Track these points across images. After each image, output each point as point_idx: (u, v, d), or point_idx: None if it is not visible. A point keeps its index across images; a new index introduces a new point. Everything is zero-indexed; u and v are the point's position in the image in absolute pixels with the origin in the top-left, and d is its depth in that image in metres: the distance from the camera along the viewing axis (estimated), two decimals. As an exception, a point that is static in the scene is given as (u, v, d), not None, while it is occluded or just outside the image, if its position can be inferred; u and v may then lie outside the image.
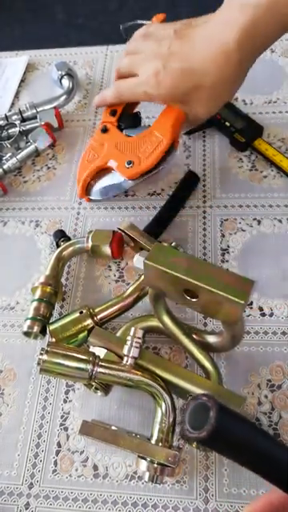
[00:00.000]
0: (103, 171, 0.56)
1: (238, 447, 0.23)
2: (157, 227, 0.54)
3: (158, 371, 0.41)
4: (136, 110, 0.59)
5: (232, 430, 0.22)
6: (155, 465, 0.37)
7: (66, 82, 0.67)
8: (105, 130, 0.56)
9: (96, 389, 0.43)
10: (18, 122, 0.64)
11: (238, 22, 0.43)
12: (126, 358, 0.40)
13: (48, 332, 0.47)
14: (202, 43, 0.46)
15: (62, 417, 0.45)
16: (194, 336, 0.44)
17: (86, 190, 0.57)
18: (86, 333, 0.46)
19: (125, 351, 0.40)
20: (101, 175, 0.56)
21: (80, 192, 0.56)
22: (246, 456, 0.24)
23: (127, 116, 0.57)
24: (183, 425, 0.22)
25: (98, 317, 0.47)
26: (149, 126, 0.54)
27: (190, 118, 0.51)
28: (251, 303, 0.49)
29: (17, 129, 0.63)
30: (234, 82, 0.48)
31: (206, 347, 0.43)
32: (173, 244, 0.50)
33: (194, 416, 0.21)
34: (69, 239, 0.54)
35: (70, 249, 0.52)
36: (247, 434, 0.23)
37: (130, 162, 0.52)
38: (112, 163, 0.54)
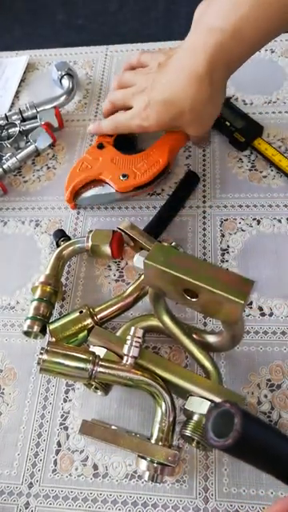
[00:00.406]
0: (94, 182, 0.56)
1: (264, 454, 0.23)
2: (157, 227, 0.54)
3: (158, 371, 0.41)
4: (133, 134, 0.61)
5: (258, 436, 0.22)
6: (155, 464, 0.37)
7: (66, 82, 0.67)
8: (101, 147, 0.57)
9: (96, 388, 0.43)
10: (18, 122, 0.64)
11: (205, 47, 0.45)
12: (125, 358, 0.40)
13: (48, 331, 0.47)
14: (175, 73, 0.49)
15: (61, 416, 0.46)
16: (194, 336, 0.44)
17: (74, 197, 0.57)
18: (85, 332, 0.46)
19: (125, 351, 0.40)
20: (91, 186, 0.57)
21: (68, 197, 0.56)
22: (272, 463, 0.24)
23: (124, 138, 0.59)
24: (206, 434, 0.22)
25: (98, 316, 0.47)
26: (144, 150, 0.56)
27: (189, 135, 0.55)
28: (251, 303, 0.49)
29: (17, 128, 0.64)
30: (211, 101, 0.49)
31: (205, 347, 0.43)
32: (173, 244, 0.50)
33: (217, 424, 0.21)
34: (69, 239, 0.54)
35: (70, 248, 0.52)
36: (273, 440, 0.23)
37: (124, 175, 0.54)
38: (106, 175, 0.55)
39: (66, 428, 0.45)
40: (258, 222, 0.54)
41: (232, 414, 0.21)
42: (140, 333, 0.40)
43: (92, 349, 0.42)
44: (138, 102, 0.52)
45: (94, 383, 0.42)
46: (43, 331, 0.48)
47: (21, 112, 0.65)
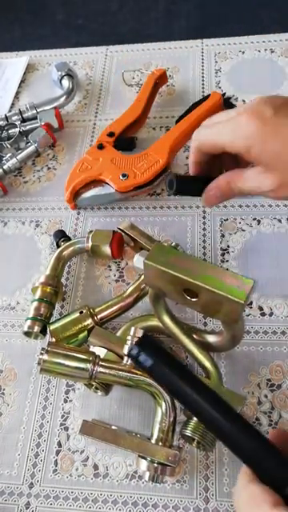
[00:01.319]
0: (94, 183, 0.57)
1: None
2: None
3: (158, 371, 0.41)
4: (133, 135, 0.62)
5: None
6: (155, 464, 0.37)
7: (66, 83, 0.67)
8: (101, 147, 0.58)
9: (96, 388, 0.43)
10: (18, 123, 0.64)
11: None
12: (126, 358, 0.40)
13: (48, 332, 0.47)
14: None
15: (62, 416, 0.46)
16: (194, 336, 0.44)
17: (74, 197, 0.57)
18: (86, 333, 0.46)
19: (125, 351, 0.40)
20: (91, 186, 0.57)
21: (68, 198, 0.57)
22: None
23: (124, 139, 0.59)
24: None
25: (98, 317, 0.47)
26: (144, 150, 0.57)
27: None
28: (251, 303, 0.49)
29: (17, 129, 0.64)
30: None
31: (205, 347, 0.43)
32: (173, 244, 0.50)
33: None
34: (69, 239, 0.54)
35: (70, 249, 0.52)
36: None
37: (124, 175, 0.54)
38: (106, 175, 0.55)
39: (66, 428, 0.45)
40: (258, 222, 0.54)
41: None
42: (140, 333, 0.40)
43: (92, 349, 0.42)
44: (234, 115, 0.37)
45: (94, 383, 0.42)
46: (43, 332, 0.48)
47: (21, 113, 0.65)
